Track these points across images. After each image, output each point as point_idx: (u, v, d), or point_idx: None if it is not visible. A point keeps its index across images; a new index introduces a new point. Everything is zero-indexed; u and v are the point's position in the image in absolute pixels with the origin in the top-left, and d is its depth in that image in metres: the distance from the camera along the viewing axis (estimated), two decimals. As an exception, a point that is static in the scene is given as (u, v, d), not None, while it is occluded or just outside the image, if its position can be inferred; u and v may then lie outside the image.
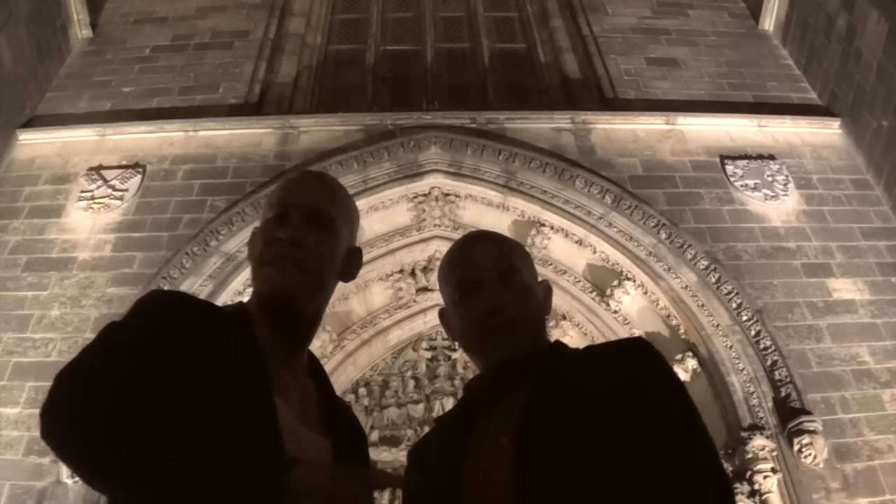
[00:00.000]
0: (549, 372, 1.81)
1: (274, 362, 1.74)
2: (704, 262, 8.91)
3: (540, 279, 2.15)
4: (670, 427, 1.68)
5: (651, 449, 1.60)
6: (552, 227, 9.61)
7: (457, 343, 7.46)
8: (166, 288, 8.52)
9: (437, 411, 9.70)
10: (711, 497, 1.61)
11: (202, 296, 8.55)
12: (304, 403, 1.82)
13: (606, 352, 1.88)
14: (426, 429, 9.30)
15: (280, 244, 1.85)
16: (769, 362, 8.14)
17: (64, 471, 7.18)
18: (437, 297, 9.75)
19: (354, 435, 2.05)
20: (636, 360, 1.80)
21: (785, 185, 9.87)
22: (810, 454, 7.46)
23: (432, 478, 1.86)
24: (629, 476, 1.56)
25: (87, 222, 9.40)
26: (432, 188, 9.97)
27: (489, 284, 1.94)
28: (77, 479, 7.15)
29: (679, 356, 8.59)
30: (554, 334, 9.18)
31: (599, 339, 9.17)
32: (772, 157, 10.21)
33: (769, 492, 7.36)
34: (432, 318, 10.19)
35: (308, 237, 1.87)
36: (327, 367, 9.44)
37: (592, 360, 1.84)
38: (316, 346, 9.07)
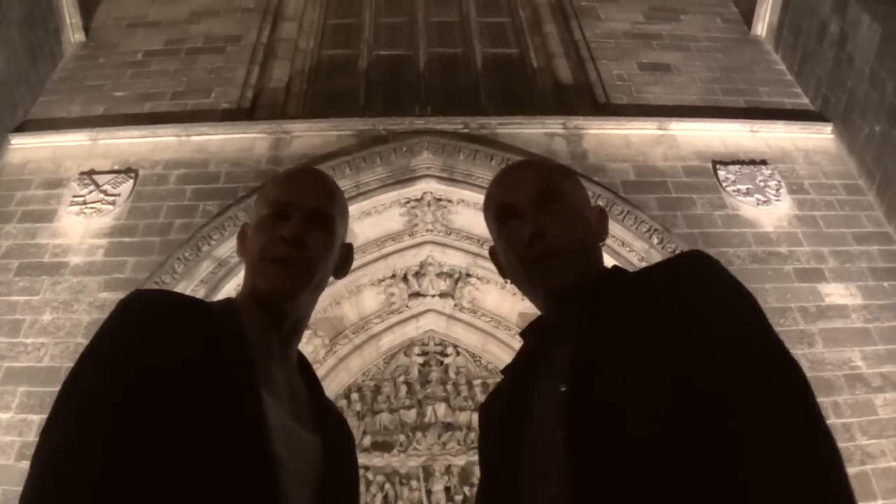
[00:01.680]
0: (598, 311, 1.67)
1: (263, 359, 1.73)
2: (697, 268, 8.86)
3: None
4: (736, 363, 1.50)
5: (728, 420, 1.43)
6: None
7: (449, 349, 7.47)
8: None
9: (429, 417, 9.77)
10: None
11: None
12: (293, 401, 1.80)
13: (657, 278, 1.71)
14: (418, 434, 9.53)
15: (284, 243, 1.84)
16: (762, 367, 8.11)
17: None
18: (429, 303, 9.91)
19: (343, 435, 2.02)
20: (691, 281, 1.63)
21: (777, 190, 9.87)
22: (803, 459, 7.43)
23: (499, 432, 1.80)
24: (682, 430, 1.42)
25: (80, 227, 9.37)
26: (425, 193, 9.96)
27: (528, 210, 1.82)
28: None
29: None
30: None
31: None
32: (764, 163, 10.22)
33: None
34: (424, 324, 10.31)
35: (310, 237, 1.87)
36: (319, 373, 9.41)
37: (645, 287, 1.68)
38: (308, 351, 9.12)
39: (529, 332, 1.93)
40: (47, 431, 1.53)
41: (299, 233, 1.85)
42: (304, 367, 1.98)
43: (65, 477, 1.42)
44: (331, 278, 2.02)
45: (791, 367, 1.55)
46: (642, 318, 1.57)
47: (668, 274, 1.70)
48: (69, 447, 1.45)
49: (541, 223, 1.78)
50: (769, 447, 1.40)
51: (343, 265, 2.06)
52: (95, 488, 1.39)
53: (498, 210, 1.89)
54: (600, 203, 9.34)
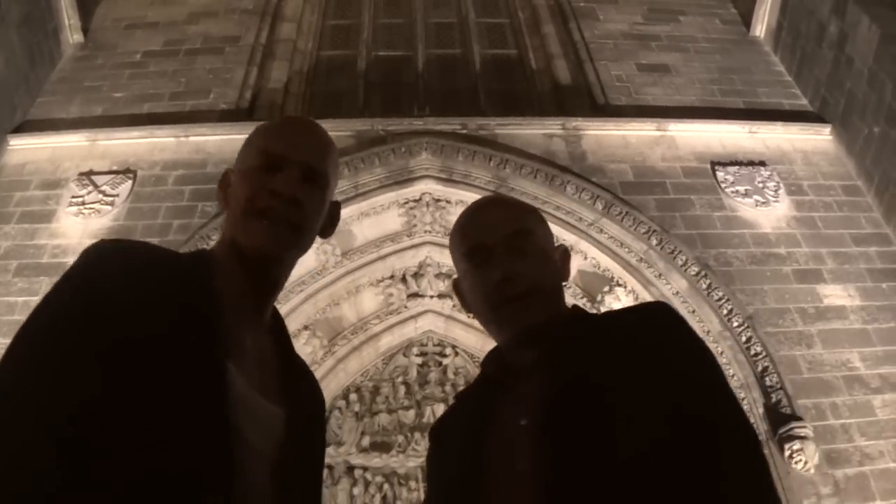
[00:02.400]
0: (568, 347, 1.70)
1: (233, 322, 1.62)
2: (695, 269, 8.92)
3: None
4: (698, 397, 1.57)
5: (680, 424, 1.51)
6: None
7: (448, 350, 7.47)
8: None
9: (428, 417, 9.74)
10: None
11: None
12: (261, 367, 1.69)
13: (627, 319, 1.78)
14: (417, 435, 9.51)
15: (274, 198, 1.72)
16: (760, 368, 8.16)
17: None
18: (427, 303, 9.90)
19: (312, 402, 1.90)
20: (657, 326, 1.68)
21: (776, 191, 9.88)
22: (801, 460, 7.46)
23: (456, 458, 1.79)
24: (660, 458, 1.47)
25: (78, 227, 9.36)
26: (423, 194, 9.96)
27: (499, 252, 1.81)
28: None
29: None
30: None
31: None
32: (763, 164, 10.23)
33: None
34: (423, 324, 10.31)
35: (304, 195, 1.75)
36: (318, 374, 9.47)
37: (613, 328, 1.74)
38: (307, 352, 9.18)
39: (490, 363, 1.92)
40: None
41: (294, 189, 1.73)
42: (278, 328, 1.88)
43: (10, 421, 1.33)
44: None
45: (746, 422, 1.64)
46: (614, 354, 1.63)
47: (636, 316, 1.79)
48: (17, 397, 1.36)
49: (511, 265, 1.79)
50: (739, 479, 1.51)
51: (330, 224, 1.93)
52: (40, 440, 1.32)
53: (468, 249, 1.88)
54: (599, 204, 9.40)
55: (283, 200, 1.71)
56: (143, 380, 1.40)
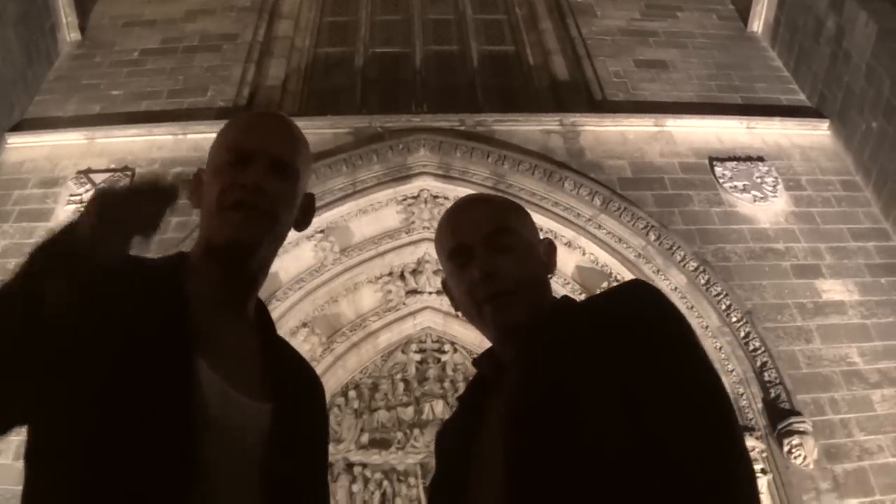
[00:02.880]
0: (539, 341, 1.70)
1: (209, 318, 1.66)
2: (693, 264, 8.91)
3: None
4: (657, 379, 1.53)
5: (650, 426, 1.48)
6: (541, 230, 9.22)
7: (447, 346, 7.49)
8: None
9: (427, 414, 9.75)
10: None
11: None
12: (243, 362, 1.71)
13: (599, 304, 1.80)
14: (416, 431, 9.51)
15: (244, 190, 1.72)
16: (759, 363, 8.15)
17: None
18: (426, 300, 9.90)
19: (308, 393, 1.91)
20: (626, 310, 1.66)
21: (774, 186, 9.87)
22: (800, 455, 7.46)
23: (449, 464, 1.84)
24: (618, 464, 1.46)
25: (76, 226, 9.30)
26: (421, 191, 9.95)
27: (480, 251, 1.83)
28: None
29: None
30: None
31: None
32: (761, 159, 10.22)
33: (759, 493, 7.31)
34: (422, 321, 10.30)
35: (272, 186, 1.76)
36: (317, 370, 9.48)
37: (586, 315, 1.73)
38: (305, 349, 9.15)
39: (482, 361, 1.94)
40: None
41: (261, 180, 1.74)
42: (262, 322, 1.89)
43: None
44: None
45: (720, 402, 1.58)
46: (581, 343, 1.62)
47: (608, 300, 1.79)
48: None
49: (492, 263, 1.80)
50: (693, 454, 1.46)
51: (304, 218, 1.93)
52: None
53: (451, 249, 1.90)
54: (597, 200, 9.39)
55: (252, 191, 1.72)
56: (110, 379, 1.44)
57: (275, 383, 1.74)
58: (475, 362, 1.97)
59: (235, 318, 1.78)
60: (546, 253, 1.96)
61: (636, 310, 1.65)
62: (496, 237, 1.84)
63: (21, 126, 10.60)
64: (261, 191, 1.73)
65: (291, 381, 1.82)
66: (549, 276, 1.95)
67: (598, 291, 9.10)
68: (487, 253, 1.82)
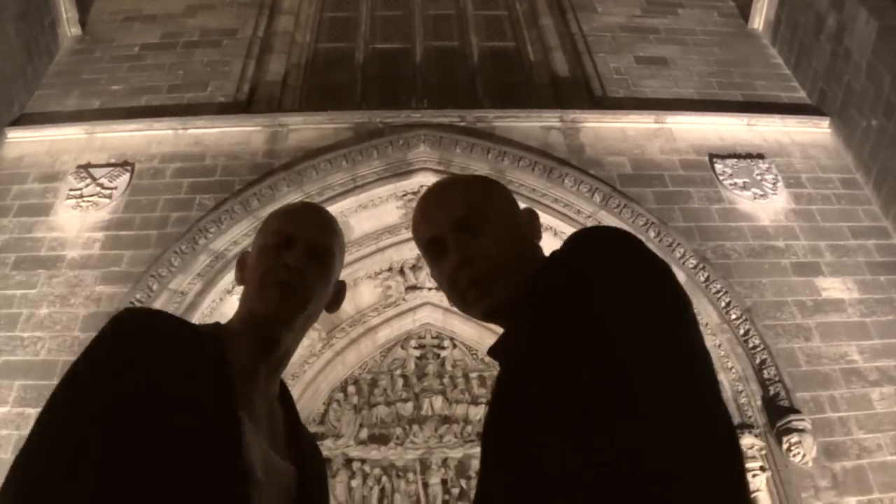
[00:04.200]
0: (514, 333, 1.67)
1: (246, 386, 1.80)
2: (693, 261, 8.89)
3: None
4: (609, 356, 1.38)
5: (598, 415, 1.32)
6: (541, 226, 9.46)
7: (446, 342, 7.50)
8: (155, 288, 8.55)
9: (426, 410, 9.76)
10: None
11: (191, 294, 8.65)
12: (272, 428, 1.88)
13: (567, 268, 1.61)
14: (415, 427, 9.54)
15: (286, 271, 1.89)
16: (758, 361, 8.14)
17: None
18: (426, 296, 9.93)
19: (317, 462, 2.09)
20: (585, 274, 1.53)
21: (774, 184, 9.85)
22: (799, 453, 7.45)
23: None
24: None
25: (76, 220, 9.35)
26: (421, 186, 9.80)
27: (450, 239, 1.78)
28: None
29: None
30: None
31: None
32: (761, 156, 10.20)
33: (758, 490, 7.34)
34: (421, 317, 10.31)
35: (310, 270, 1.92)
36: (316, 366, 9.50)
37: (562, 294, 1.54)
38: (305, 344, 9.08)
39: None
40: (38, 432, 1.55)
41: (301, 264, 1.90)
42: (284, 395, 2.04)
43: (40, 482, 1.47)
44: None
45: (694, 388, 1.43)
46: (556, 317, 1.49)
47: (573, 266, 1.60)
48: (54, 460, 1.48)
49: (464, 250, 1.76)
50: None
51: (335, 301, 2.08)
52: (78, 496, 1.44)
53: (425, 244, 1.87)
54: (597, 197, 9.39)
55: (293, 272, 1.89)
56: (167, 434, 1.53)
57: (294, 451, 1.91)
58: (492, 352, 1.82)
59: (264, 389, 1.90)
60: (529, 222, 1.90)
61: (596, 279, 1.51)
62: (466, 221, 1.79)
63: (21, 121, 10.59)
64: (300, 273, 1.90)
65: (307, 448, 2.01)
66: (537, 241, 1.88)
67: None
68: (460, 240, 1.77)
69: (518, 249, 1.81)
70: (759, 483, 7.38)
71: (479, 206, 1.83)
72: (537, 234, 1.89)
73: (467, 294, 1.75)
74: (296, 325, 1.93)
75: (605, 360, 1.36)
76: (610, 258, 1.55)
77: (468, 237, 1.77)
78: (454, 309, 9.78)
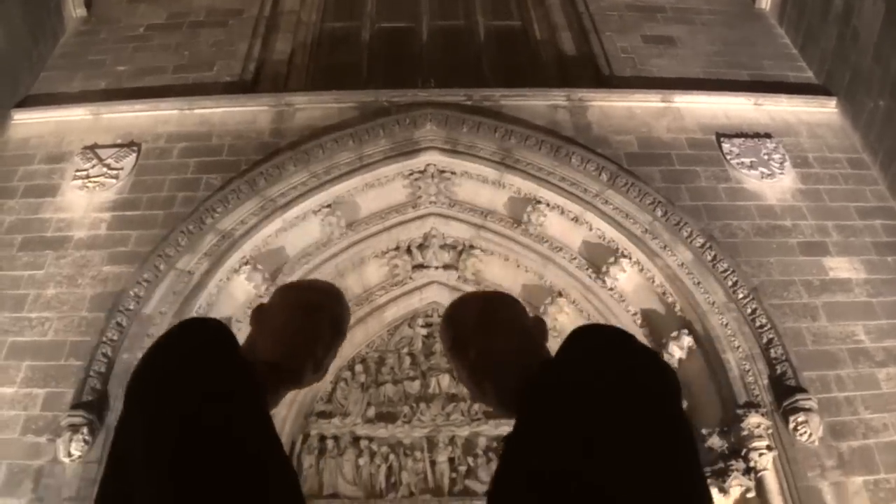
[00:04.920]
0: (516, 430, 1.83)
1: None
2: (700, 240, 8.83)
3: (533, 316, 2.21)
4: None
5: None
6: (548, 205, 9.53)
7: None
8: (162, 268, 8.55)
9: (433, 388, 9.77)
10: None
11: (198, 274, 8.65)
12: None
13: (575, 378, 1.79)
14: (422, 405, 9.55)
15: (312, 337, 2.17)
16: (765, 340, 8.07)
17: (61, 450, 7.17)
18: (432, 275, 9.92)
19: None
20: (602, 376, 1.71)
21: (781, 163, 9.77)
22: (806, 432, 7.38)
23: None
24: None
25: (83, 201, 9.31)
26: (428, 165, 9.89)
27: (471, 337, 2.06)
28: (73, 457, 7.16)
29: (675, 333, 8.55)
30: (550, 312, 9.35)
31: (595, 316, 9.21)
32: (768, 136, 10.12)
33: (764, 469, 7.29)
34: (428, 295, 10.27)
35: (331, 340, 2.21)
36: None
37: (562, 385, 1.79)
38: None
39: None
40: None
41: (324, 335, 2.19)
42: None
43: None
44: None
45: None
46: (557, 412, 1.71)
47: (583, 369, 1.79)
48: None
49: (482, 345, 2.02)
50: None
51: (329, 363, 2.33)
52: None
53: (450, 343, 2.12)
54: (604, 175, 9.38)
55: (320, 342, 2.18)
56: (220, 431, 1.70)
57: None
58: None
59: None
60: (536, 325, 2.15)
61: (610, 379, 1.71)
62: (483, 323, 2.08)
63: (27, 102, 10.56)
64: (326, 345, 2.20)
65: None
66: (545, 341, 2.11)
67: (604, 267, 9.13)
68: (477, 337, 2.05)
69: (525, 347, 2.05)
70: (765, 462, 7.32)
71: (496, 309, 2.15)
72: (544, 336, 2.14)
73: (480, 385, 2.02)
74: (304, 380, 2.19)
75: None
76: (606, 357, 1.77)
77: (487, 335, 2.05)
78: (461, 288, 9.98)
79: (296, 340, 2.14)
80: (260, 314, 2.24)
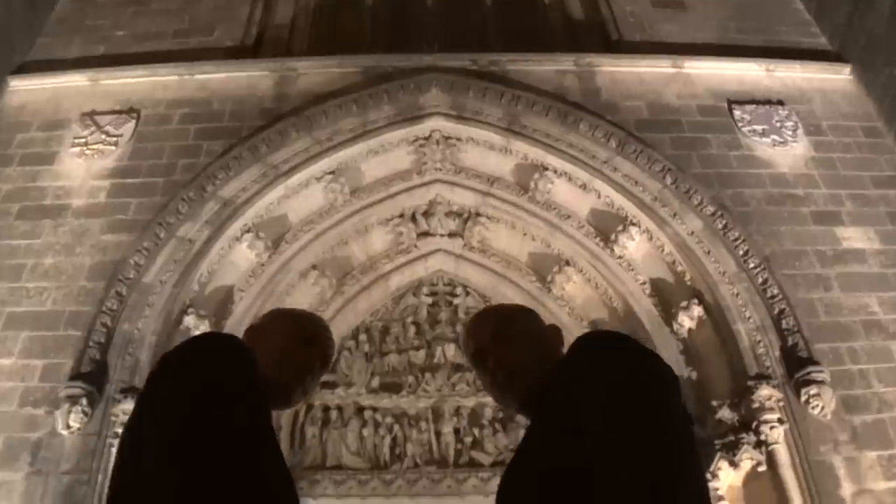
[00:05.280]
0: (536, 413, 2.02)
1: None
2: (711, 208, 8.67)
3: (543, 324, 2.34)
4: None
5: None
6: (556, 172, 9.38)
7: (459, 290, 7.68)
8: (162, 236, 8.45)
9: (438, 358, 9.69)
10: None
11: (199, 242, 8.56)
12: None
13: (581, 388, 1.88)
14: (427, 375, 9.48)
15: (305, 369, 2.37)
16: (776, 311, 7.93)
17: (59, 422, 7.10)
18: (438, 242, 9.86)
19: None
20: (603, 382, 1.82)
21: (794, 131, 9.57)
22: (818, 405, 7.26)
23: None
24: None
25: (81, 169, 9.17)
26: (433, 131, 9.75)
27: (489, 347, 2.21)
28: (72, 429, 7.09)
29: (684, 303, 8.43)
30: (557, 280, 9.37)
31: (603, 286, 9.18)
32: (780, 103, 9.90)
33: (776, 442, 7.17)
34: (433, 264, 10.18)
35: (319, 371, 2.44)
36: (326, 315, 9.46)
37: (567, 391, 1.90)
38: (315, 292, 9.37)
39: None
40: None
41: (315, 368, 2.41)
42: None
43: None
44: None
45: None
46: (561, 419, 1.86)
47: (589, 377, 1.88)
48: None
49: (499, 354, 2.18)
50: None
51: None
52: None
53: (471, 356, 2.30)
54: (613, 142, 9.23)
55: (311, 374, 2.40)
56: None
57: None
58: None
59: None
60: (552, 333, 2.30)
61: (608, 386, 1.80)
62: (500, 333, 2.23)
63: (23, 69, 10.38)
64: (313, 378, 2.42)
65: None
66: (561, 347, 2.24)
67: (612, 235, 9.00)
68: (495, 346, 2.20)
69: (541, 355, 2.19)
70: (776, 435, 7.20)
71: (512, 320, 2.33)
72: (560, 342, 2.28)
73: (499, 391, 2.20)
74: (293, 402, 2.44)
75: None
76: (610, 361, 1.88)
77: (503, 344, 2.21)
78: (467, 256, 9.88)
79: (290, 368, 2.32)
80: (252, 335, 2.39)
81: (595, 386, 1.79)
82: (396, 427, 9.21)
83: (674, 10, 11.26)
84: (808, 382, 7.37)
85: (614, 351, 1.90)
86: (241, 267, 8.91)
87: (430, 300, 10.21)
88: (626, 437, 1.67)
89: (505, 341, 2.20)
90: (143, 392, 1.94)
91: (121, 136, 9.45)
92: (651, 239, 8.91)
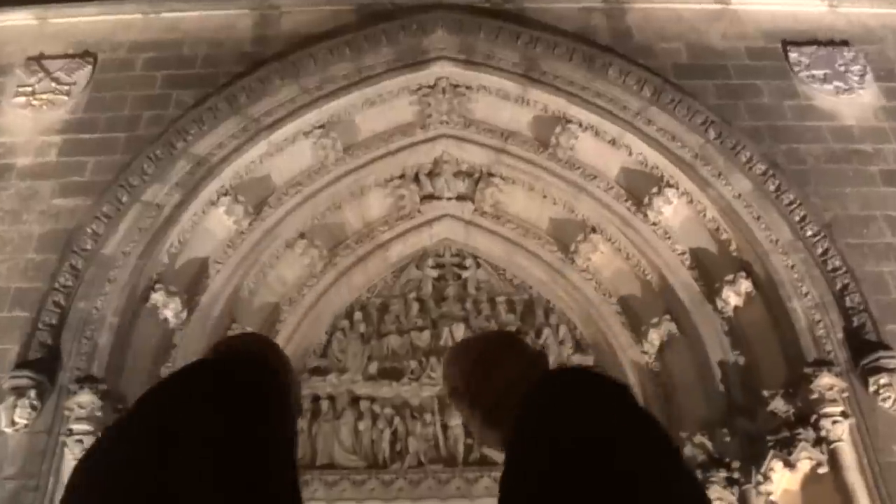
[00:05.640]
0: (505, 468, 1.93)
1: None
2: (762, 167, 8.51)
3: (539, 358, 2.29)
4: None
5: None
6: (580, 125, 9.22)
7: (468, 261, 7.60)
8: (125, 200, 8.32)
9: (446, 339, 9.57)
10: None
11: (168, 207, 8.47)
12: None
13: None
14: (433, 360, 9.39)
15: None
16: (839, 286, 7.77)
17: (3, 418, 6.97)
18: (444, 206, 9.89)
19: None
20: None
21: (861, 76, 9.37)
22: (889, 397, 7.11)
23: None
24: None
25: (28, 122, 9.02)
26: (439, 79, 9.61)
27: (460, 389, 2.23)
28: (17, 426, 6.98)
29: (730, 277, 8.31)
30: (582, 250, 9.41)
31: (635, 256, 9.13)
32: (845, 44, 9.71)
33: (839, 440, 7.02)
34: (439, 231, 10.09)
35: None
36: (317, 289, 9.54)
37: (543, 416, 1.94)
38: (303, 264, 9.42)
39: None
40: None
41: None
42: None
43: None
44: None
45: None
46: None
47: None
48: None
49: (474, 395, 2.20)
50: None
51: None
52: None
53: (448, 395, 2.33)
54: (647, 90, 9.08)
55: None
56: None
57: None
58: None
59: None
60: (538, 358, 2.26)
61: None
62: (475, 372, 2.23)
63: (-44, 6, 10.22)
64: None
65: None
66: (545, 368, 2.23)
67: (645, 198, 8.81)
68: (472, 386, 2.22)
69: (520, 387, 2.10)
70: (840, 431, 7.04)
71: (499, 349, 2.31)
72: (545, 365, 2.27)
73: (494, 411, 2.15)
74: None
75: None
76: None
77: (479, 383, 2.23)
78: (478, 222, 9.61)
79: None
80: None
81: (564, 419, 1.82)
82: (397, 420, 9.12)
83: (719, -66, 10.95)
84: (878, 370, 7.23)
85: (579, 385, 1.96)
86: (218, 236, 8.79)
87: (435, 273, 10.10)
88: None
89: (482, 379, 2.22)
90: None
91: (74, 84, 9.32)
92: (691, 202, 8.77)
